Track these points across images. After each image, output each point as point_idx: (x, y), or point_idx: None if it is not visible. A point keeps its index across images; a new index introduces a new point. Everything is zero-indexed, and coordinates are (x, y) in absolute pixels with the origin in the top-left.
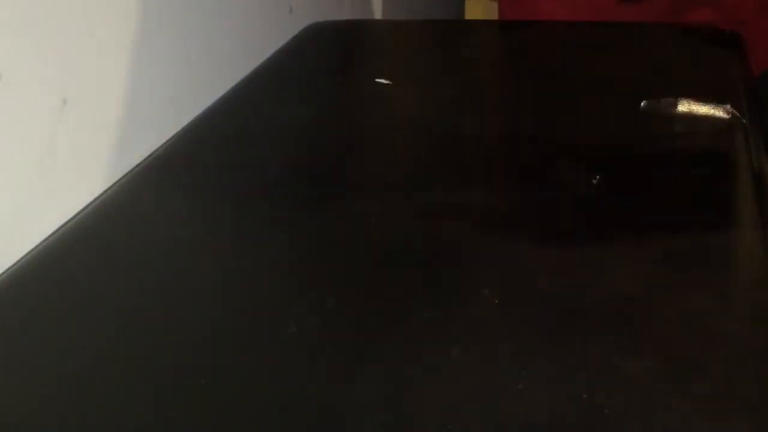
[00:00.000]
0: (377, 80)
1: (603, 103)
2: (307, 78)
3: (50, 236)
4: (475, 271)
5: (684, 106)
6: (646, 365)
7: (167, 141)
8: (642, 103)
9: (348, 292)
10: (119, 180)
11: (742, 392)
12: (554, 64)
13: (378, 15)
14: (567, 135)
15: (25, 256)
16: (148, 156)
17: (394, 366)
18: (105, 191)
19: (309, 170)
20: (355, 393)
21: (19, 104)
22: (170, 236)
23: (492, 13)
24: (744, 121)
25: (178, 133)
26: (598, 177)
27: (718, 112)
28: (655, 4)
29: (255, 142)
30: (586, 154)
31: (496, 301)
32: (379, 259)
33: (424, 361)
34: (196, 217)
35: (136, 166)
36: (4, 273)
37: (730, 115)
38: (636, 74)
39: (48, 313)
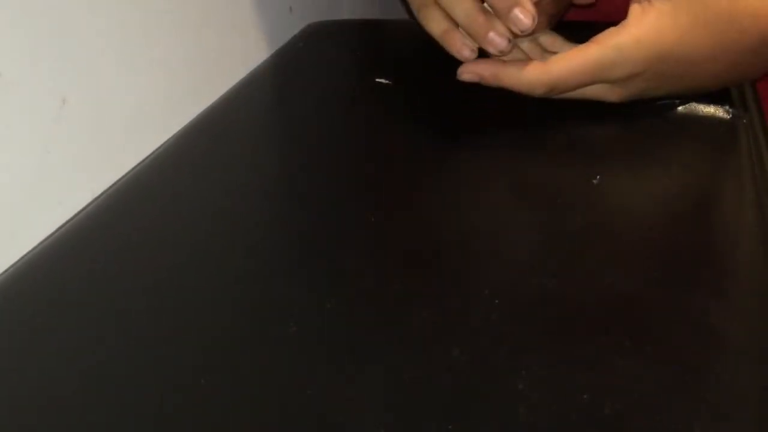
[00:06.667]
0: (377, 80)
1: (603, 103)
2: (306, 78)
3: (50, 236)
4: (475, 272)
5: (684, 107)
6: (646, 365)
7: (167, 141)
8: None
9: (348, 292)
10: (120, 180)
11: (743, 392)
12: None
13: (378, 15)
14: (566, 134)
15: (25, 256)
16: (148, 156)
17: (394, 366)
18: (105, 191)
19: (309, 170)
20: (355, 393)
21: (18, 104)
22: (171, 236)
23: None
24: (744, 121)
25: (178, 132)
26: (598, 177)
27: (718, 112)
28: None
29: (255, 141)
30: (586, 154)
31: (497, 301)
32: (380, 259)
33: (424, 361)
34: (196, 218)
35: (137, 165)
36: (4, 273)
37: (730, 116)
38: None
39: (48, 314)
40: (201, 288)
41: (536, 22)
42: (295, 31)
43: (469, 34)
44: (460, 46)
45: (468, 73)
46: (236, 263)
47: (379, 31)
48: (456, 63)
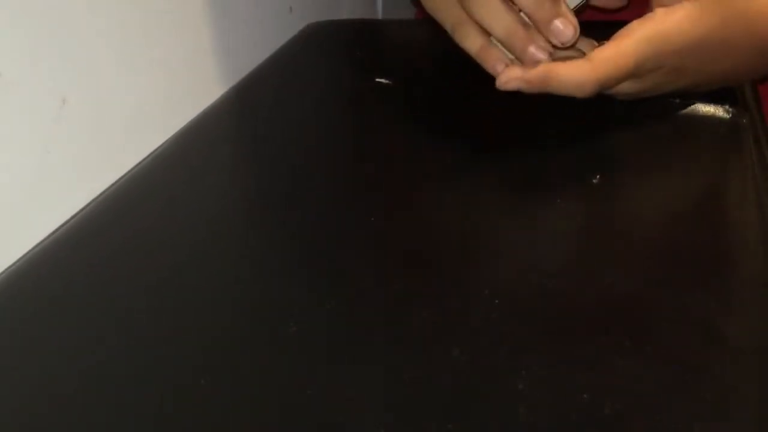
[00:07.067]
0: (377, 80)
1: (603, 103)
2: (306, 78)
3: (50, 236)
4: (475, 272)
5: (685, 107)
6: (646, 365)
7: (167, 140)
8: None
9: (348, 292)
10: (119, 179)
11: (743, 392)
12: None
13: (378, 15)
14: (567, 134)
15: (24, 255)
16: (148, 155)
17: (394, 366)
18: (105, 191)
19: (309, 170)
20: (355, 393)
21: (18, 104)
22: (170, 236)
23: None
24: (744, 121)
25: (177, 132)
26: (598, 176)
27: (718, 112)
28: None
29: (255, 141)
30: (587, 154)
31: (497, 301)
32: (380, 259)
33: (424, 361)
34: (196, 217)
35: (137, 165)
36: (4, 272)
37: (730, 116)
38: None
39: (48, 313)
40: (201, 288)
41: (578, 33)
42: (295, 31)
43: (508, 49)
44: (495, 62)
45: (514, 80)
46: (236, 263)
47: (379, 31)
48: (458, 65)
